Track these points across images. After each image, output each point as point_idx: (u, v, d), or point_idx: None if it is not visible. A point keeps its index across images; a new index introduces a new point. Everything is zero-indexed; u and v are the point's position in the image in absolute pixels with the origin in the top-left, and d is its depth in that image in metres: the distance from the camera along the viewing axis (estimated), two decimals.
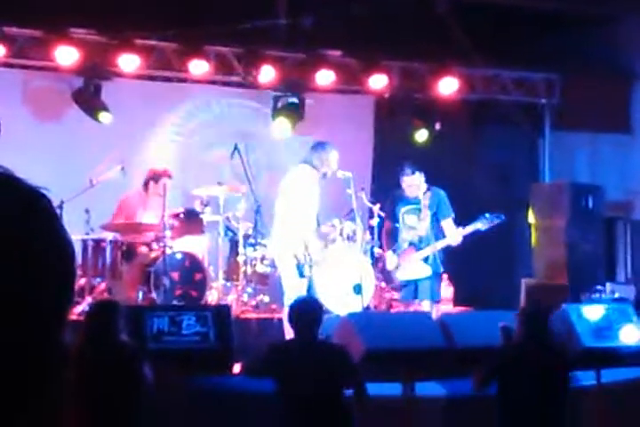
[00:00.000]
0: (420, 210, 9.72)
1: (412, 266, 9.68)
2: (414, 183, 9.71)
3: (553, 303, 10.55)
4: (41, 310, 1.14)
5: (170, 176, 10.35)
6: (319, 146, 9.33)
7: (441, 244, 9.60)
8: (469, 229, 9.58)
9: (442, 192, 9.80)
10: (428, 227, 9.69)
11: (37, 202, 1.17)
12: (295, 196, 9.02)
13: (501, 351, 6.74)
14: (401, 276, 9.78)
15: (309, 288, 8.89)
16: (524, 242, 12.15)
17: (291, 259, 8.87)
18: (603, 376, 8.47)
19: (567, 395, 6.55)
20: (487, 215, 9.63)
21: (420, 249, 9.68)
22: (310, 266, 8.85)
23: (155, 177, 10.29)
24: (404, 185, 9.79)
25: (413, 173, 9.68)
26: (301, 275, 8.80)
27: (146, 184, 10.36)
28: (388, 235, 10.00)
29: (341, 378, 6.29)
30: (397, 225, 9.89)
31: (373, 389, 6.58)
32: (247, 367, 6.72)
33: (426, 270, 9.64)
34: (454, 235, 9.56)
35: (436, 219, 9.72)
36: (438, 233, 9.70)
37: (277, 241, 9.14)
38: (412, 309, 9.71)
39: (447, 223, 9.71)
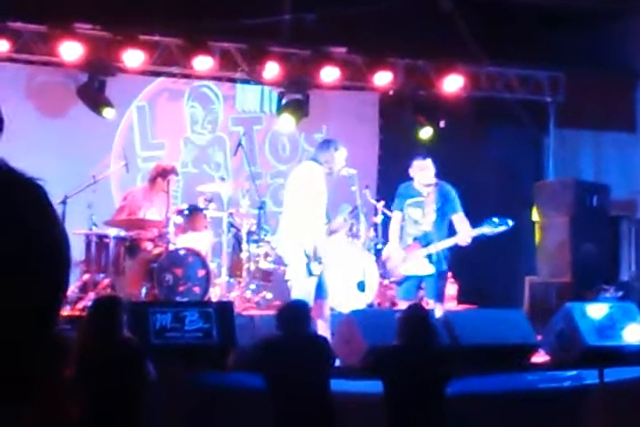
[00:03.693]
0: (425, 203, 9.47)
1: (415, 262, 9.46)
2: (426, 166, 9.49)
3: (556, 302, 10.58)
4: (32, 299, 1.13)
5: (177, 173, 10.36)
6: (326, 144, 9.19)
7: (448, 242, 9.22)
8: (475, 232, 9.31)
9: (449, 187, 9.46)
10: (433, 223, 9.43)
11: (32, 190, 1.16)
12: (302, 193, 8.89)
13: (383, 353, 6.66)
14: (403, 271, 9.58)
15: (319, 286, 8.73)
16: (528, 240, 12.11)
17: (301, 257, 8.70)
18: (606, 375, 8.45)
19: (443, 401, 6.42)
20: (495, 220, 9.30)
21: (425, 245, 9.41)
22: (319, 263, 8.72)
23: (163, 173, 10.24)
24: (414, 171, 9.53)
25: (425, 158, 9.54)
26: (310, 273, 8.69)
27: (152, 180, 10.31)
28: (397, 230, 9.72)
29: (324, 366, 6.36)
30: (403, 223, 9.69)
31: (375, 386, 6.57)
32: (237, 363, 6.73)
33: (429, 268, 9.38)
34: (464, 235, 9.16)
35: (442, 214, 9.37)
36: (445, 230, 9.34)
37: (285, 239, 8.99)
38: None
39: (458, 218, 9.29)
